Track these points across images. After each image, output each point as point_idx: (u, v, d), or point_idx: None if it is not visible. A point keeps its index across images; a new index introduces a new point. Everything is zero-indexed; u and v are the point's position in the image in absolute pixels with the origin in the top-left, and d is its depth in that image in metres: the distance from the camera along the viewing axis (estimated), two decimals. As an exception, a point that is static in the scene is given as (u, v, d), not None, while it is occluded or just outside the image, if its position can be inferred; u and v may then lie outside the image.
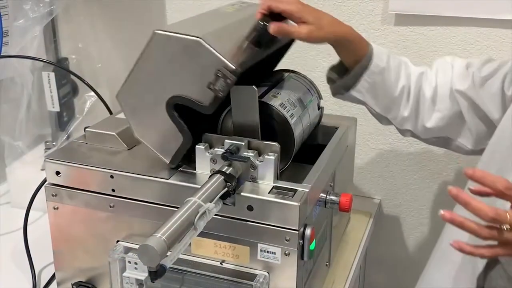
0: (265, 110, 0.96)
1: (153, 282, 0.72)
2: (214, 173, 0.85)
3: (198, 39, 0.84)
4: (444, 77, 1.10)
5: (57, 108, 1.40)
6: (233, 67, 0.83)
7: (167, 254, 0.71)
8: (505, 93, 1.02)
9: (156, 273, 0.70)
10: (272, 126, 0.96)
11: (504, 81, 1.02)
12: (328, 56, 1.45)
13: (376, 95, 1.08)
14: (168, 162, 0.93)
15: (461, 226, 0.73)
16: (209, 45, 0.83)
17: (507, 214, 0.71)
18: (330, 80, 1.12)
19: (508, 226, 0.70)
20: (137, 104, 0.92)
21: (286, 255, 0.86)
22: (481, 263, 0.92)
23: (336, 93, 1.11)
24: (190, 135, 0.90)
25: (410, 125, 1.12)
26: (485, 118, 1.07)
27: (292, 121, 0.97)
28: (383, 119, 1.14)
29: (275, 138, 0.92)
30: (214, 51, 0.83)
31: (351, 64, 1.06)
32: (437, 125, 1.10)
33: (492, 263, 0.91)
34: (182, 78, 0.87)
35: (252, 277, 0.88)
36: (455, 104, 1.08)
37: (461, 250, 0.75)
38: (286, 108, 0.97)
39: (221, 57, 0.83)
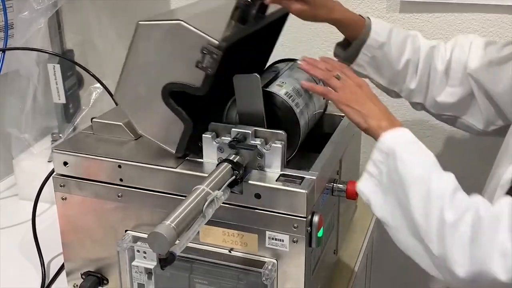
0: (271, 99, 0.96)
1: (163, 269, 0.72)
2: (221, 161, 0.85)
3: (178, 21, 0.85)
4: (460, 53, 1.10)
5: (63, 100, 1.40)
6: (217, 42, 0.84)
7: (177, 242, 0.71)
8: None
9: (166, 260, 0.71)
10: (277, 116, 0.96)
11: None
12: (333, 45, 1.45)
13: (379, 68, 1.11)
14: (174, 151, 0.93)
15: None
16: (190, 25, 0.85)
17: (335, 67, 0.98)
18: (336, 56, 1.16)
19: (338, 74, 0.96)
20: (134, 100, 0.93)
21: (294, 242, 0.86)
22: None
23: None
24: (190, 121, 0.91)
25: (420, 98, 1.14)
26: (496, 102, 1.07)
27: (297, 110, 0.97)
28: (391, 92, 1.16)
29: (281, 128, 0.92)
30: (196, 30, 0.85)
31: (352, 40, 1.11)
32: (448, 101, 1.11)
33: None
34: (171, 65, 0.88)
35: (261, 264, 0.89)
36: (467, 83, 1.09)
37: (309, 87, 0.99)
38: (292, 97, 0.97)
39: (203, 34, 0.84)
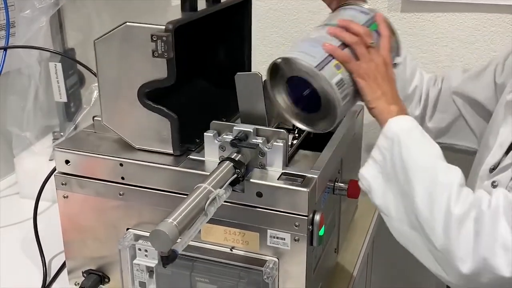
0: (320, 82, 0.88)
1: (165, 267, 0.72)
2: (223, 160, 0.85)
3: (125, 24, 0.88)
4: (445, 80, 1.16)
5: (64, 99, 1.40)
6: (162, 27, 0.85)
7: (178, 240, 0.71)
8: (496, 83, 1.06)
9: (168, 258, 0.71)
10: (319, 100, 0.90)
11: (495, 70, 1.06)
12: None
13: None
14: (172, 151, 0.94)
15: (346, 26, 0.90)
16: (135, 23, 0.88)
17: (371, 34, 0.90)
18: None
19: (374, 42, 0.89)
20: (120, 117, 0.95)
21: (295, 241, 0.86)
22: None
23: None
24: (174, 116, 0.92)
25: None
26: (483, 113, 1.09)
27: (342, 104, 0.89)
28: None
29: (318, 111, 0.92)
30: (142, 24, 0.87)
31: None
32: (439, 126, 1.16)
33: None
34: (136, 67, 0.90)
35: (262, 263, 0.89)
36: (453, 106, 1.13)
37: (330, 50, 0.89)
38: (343, 86, 0.89)
39: (149, 25, 0.87)
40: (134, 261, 0.97)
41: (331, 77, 0.88)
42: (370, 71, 0.89)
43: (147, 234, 0.94)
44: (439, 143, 1.15)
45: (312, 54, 0.89)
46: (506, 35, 1.31)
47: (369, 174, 0.87)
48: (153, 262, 0.96)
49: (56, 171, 0.99)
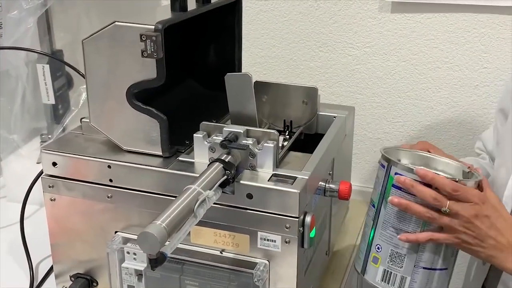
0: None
1: (154, 270, 0.71)
2: (213, 161, 0.84)
3: (114, 23, 0.87)
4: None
5: (52, 101, 1.38)
6: (152, 26, 0.85)
7: (167, 242, 0.70)
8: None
9: (157, 261, 0.70)
10: None
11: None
12: (325, 46, 1.45)
13: None
14: (162, 153, 0.92)
15: (406, 208, 0.78)
16: (125, 22, 0.87)
17: (447, 199, 0.78)
18: None
19: (447, 209, 0.78)
20: (108, 118, 0.94)
21: (286, 243, 0.86)
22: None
23: None
24: (163, 117, 0.91)
25: None
26: None
27: None
28: None
29: None
30: (131, 24, 0.87)
31: None
32: None
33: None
34: (125, 68, 0.89)
35: (252, 265, 0.88)
36: None
37: (407, 240, 0.82)
38: (390, 276, 0.88)
39: (138, 25, 0.86)
40: (123, 265, 0.96)
41: (373, 276, 0.89)
42: (463, 238, 0.81)
43: (136, 237, 0.93)
44: None
45: None
46: (496, 37, 1.31)
47: None
48: (142, 266, 0.95)
49: (43, 174, 0.97)
